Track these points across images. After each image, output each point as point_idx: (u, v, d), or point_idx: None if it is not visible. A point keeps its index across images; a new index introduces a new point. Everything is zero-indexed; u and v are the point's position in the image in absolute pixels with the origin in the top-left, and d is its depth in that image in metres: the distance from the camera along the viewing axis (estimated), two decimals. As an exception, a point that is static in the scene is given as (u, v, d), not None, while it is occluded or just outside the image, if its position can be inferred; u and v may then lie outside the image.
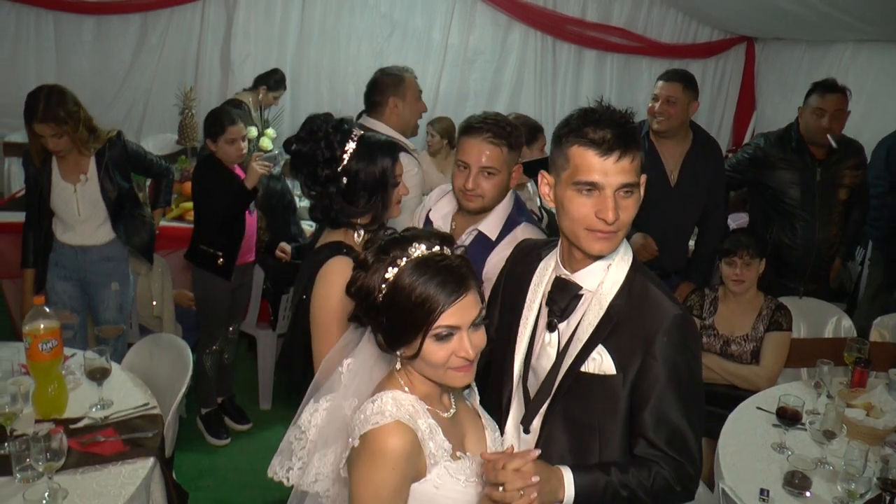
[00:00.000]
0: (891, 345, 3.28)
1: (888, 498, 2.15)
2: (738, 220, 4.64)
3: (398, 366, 1.51)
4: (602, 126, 1.50)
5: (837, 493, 2.18)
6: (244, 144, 3.70)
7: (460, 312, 1.43)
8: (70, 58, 5.61)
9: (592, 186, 1.52)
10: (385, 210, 2.10)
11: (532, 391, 1.73)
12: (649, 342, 1.56)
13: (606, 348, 1.59)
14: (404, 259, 1.45)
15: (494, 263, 2.21)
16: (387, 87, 3.25)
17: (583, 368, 1.61)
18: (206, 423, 3.92)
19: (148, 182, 4.36)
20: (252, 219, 3.76)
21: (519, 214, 2.37)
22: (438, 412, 1.53)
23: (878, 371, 2.93)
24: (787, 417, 2.45)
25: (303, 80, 5.84)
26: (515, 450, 1.63)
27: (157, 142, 5.74)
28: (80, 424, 2.38)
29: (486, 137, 2.25)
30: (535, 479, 1.40)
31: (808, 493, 2.19)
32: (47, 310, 2.41)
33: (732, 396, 2.92)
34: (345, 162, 2.02)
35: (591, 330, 1.61)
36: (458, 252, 1.52)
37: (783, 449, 2.44)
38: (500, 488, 1.40)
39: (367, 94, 3.32)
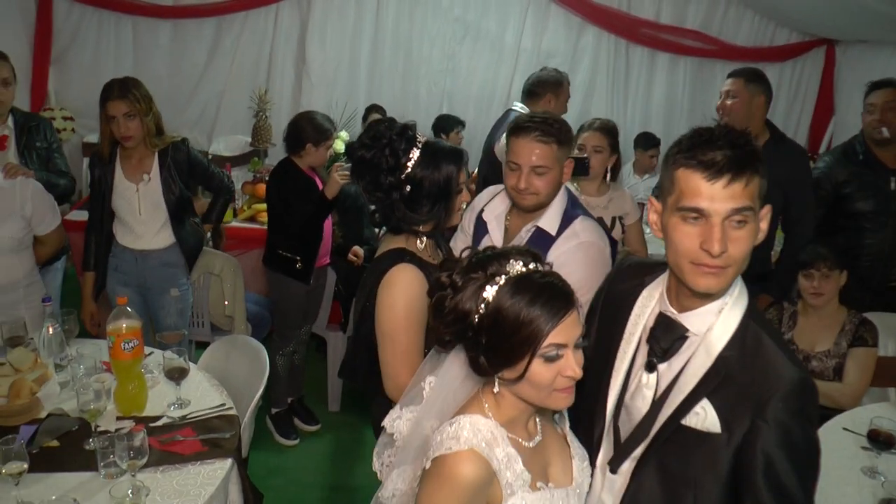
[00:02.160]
0: None
1: None
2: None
3: (496, 388, 1.45)
4: (714, 147, 1.36)
5: (937, 523, 2.08)
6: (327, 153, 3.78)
7: (567, 330, 1.38)
8: (147, 61, 5.75)
9: (698, 213, 1.38)
10: (448, 217, 2.11)
11: (623, 430, 1.61)
12: (761, 405, 1.38)
13: (712, 403, 1.44)
14: (502, 277, 1.40)
15: (556, 257, 2.17)
16: (548, 84, 3.97)
17: (684, 421, 1.47)
18: (276, 423, 3.96)
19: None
20: (328, 222, 3.78)
21: (574, 208, 2.37)
22: (520, 440, 1.47)
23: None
24: (880, 441, 2.33)
25: (376, 82, 5.86)
26: (599, 490, 1.61)
27: (229, 143, 5.84)
28: (160, 423, 2.41)
29: (535, 136, 2.24)
30: None
31: (904, 523, 2.09)
32: (129, 309, 2.46)
33: (815, 416, 2.80)
34: (409, 169, 2.02)
35: (695, 381, 1.46)
36: (547, 268, 1.47)
37: (875, 474, 2.32)
38: None
39: (531, 84, 4.01)
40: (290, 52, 5.80)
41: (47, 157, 3.64)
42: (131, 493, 1.98)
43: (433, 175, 2.02)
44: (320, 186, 3.65)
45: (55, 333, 2.70)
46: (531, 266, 1.43)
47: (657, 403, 1.52)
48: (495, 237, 2.44)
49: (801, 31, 5.95)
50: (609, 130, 3.36)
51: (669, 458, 1.50)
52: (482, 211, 2.53)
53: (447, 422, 1.44)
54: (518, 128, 2.29)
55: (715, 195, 1.36)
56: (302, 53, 5.76)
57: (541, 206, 2.34)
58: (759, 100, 3.43)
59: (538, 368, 1.38)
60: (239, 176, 5.22)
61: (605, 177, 3.37)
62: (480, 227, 2.50)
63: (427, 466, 1.40)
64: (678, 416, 1.46)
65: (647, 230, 4.60)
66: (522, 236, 2.35)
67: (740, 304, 1.47)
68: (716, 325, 1.46)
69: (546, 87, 3.96)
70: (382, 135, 2.03)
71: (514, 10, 5.80)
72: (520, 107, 4.00)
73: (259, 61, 5.82)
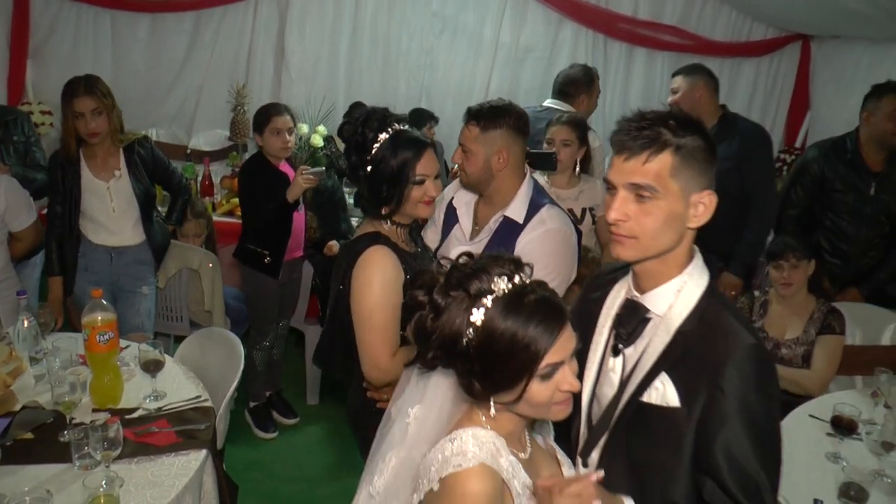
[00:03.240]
0: (954, 354, 3.18)
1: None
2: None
3: (492, 412, 1.40)
4: (624, 124, 1.48)
5: (896, 506, 2.13)
6: (290, 139, 3.67)
7: (562, 347, 1.35)
8: (125, 55, 5.70)
9: (609, 185, 1.51)
10: (402, 205, 2.12)
11: (595, 419, 1.64)
12: (716, 372, 1.42)
13: (671, 378, 1.47)
14: (489, 297, 1.34)
15: (524, 244, 2.31)
16: (580, 84, 4.00)
17: (644, 398, 1.50)
18: (255, 417, 3.97)
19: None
20: (300, 216, 3.78)
21: (540, 197, 2.42)
22: (517, 452, 1.44)
23: (940, 381, 2.84)
24: (843, 427, 2.40)
25: (355, 76, 5.84)
26: None
27: (208, 138, 5.81)
28: (135, 415, 2.43)
29: (467, 120, 2.37)
30: (597, 503, 1.30)
31: (864, 506, 2.14)
32: (104, 302, 2.47)
33: (783, 403, 2.86)
34: (373, 151, 2.09)
35: (655, 357, 1.50)
36: (528, 272, 1.42)
37: (838, 459, 2.38)
38: None
39: (562, 83, 4.03)
40: (269, 47, 5.77)
41: (25, 151, 3.63)
42: (105, 483, 1.99)
43: (389, 159, 2.08)
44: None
45: (30, 326, 2.71)
46: (516, 280, 1.37)
47: (622, 386, 1.57)
48: (464, 224, 2.50)
49: (777, 26, 6.00)
50: (577, 123, 3.42)
51: (634, 441, 1.53)
52: (453, 199, 2.59)
53: (445, 439, 1.38)
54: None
55: (618, 168, 1.47)
56: (281, 48, 5.74)
57: (471, 186, 2.45)
58: (699, 88, 3.63)
59: (536, 388, 1.35)
60: (218, 170, 5.23)
61: (574, 169, 3.42)
62: (451, 215, 2.57)
63: (435, 489, 1.33)
64: (639, 393, 1.51)
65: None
66: (491, 226, 2.40)
67: (700, 284, 1.52)
68: (675, 303, 1.51)
69: (579, 88, 3.99)
70: (362, 115, 2.14)
71: (492, 5, 5.79)
72: (550, 102, 4.04)
73: (238, 55, 5.78)
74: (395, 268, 2.05)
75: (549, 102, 4.02)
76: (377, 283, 2.03)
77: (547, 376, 1.34)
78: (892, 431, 2.35)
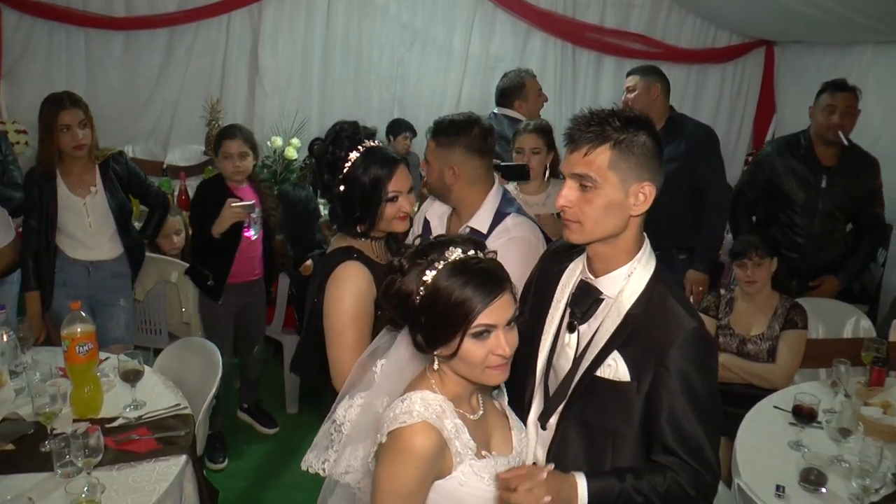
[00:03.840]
0: (911, 345, 3.28)
1: (903, 493, 2.18)
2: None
3: (435, 366, 1.57)
4: (575, 121, 1.64)
5: (853, 489, 2.21)
6: (241, 163, 3.54)
7: (497, 312, 1.50)
8: (100, 72, 5.71)
9: (563, 177, 1.67)
10: (377, 223, 2.13)
11: (551, 388, 1.79)
12: (662, 353, 1.58)
13: (622, 356, 1.63)
14: (441, 262, 1.52)
15: None
16: (512, 90, 4.12)
17: (598, 373, 1.66)
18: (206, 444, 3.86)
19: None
20: (254, 241, 3.67)
21: (506, 206, 2.44)
22: (466, 414, 1.59)
23: (896, 371, 2.95)
24: (803, 415, 2.48)
25: (328, 89, 5.90)
26: (533, 444, 1.77)
27: (184, 153, 5.84)
28: (115, 424, 2.47)
29: (429, 131, 2.44)
30: (547, 499, 1.44)
31: (823, 490, 2.23)
32: (83, 314, 2.51)
33: (749, 395, 2.96)
34: (345, 170, 2.09)
35: (607, 336, 1.65)
36: (490, 256, 1.59)
37: (799, 446, 2.47)
38: None
39: (498, 94, 4.18)
40: (242, 62, 5.81)
41: (3, 169, 3.64)
42: (87, 489, 2.03)
43: (361, 178, 2.08)
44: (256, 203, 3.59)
45: (9, 340, 2.74)
46: (470, 253, 1.55)
47: (577, 360, 1.72)
48: None
49: (741, 32, 6.12)
50: (543, 130, 3.50)
51: (588, 409, 1.69)
52: (428, 212, 2.63)
53: (398, 398, 1.55)
54: None
55: (566, 160, 1.65)
56: (255, 62, 5.78)
57: (434, 195, 2.52)
58: (655, 89, 3.75)
59: (469, 346, 1.50)
60: (194, 185, 5.22)
61: (544, 175, 3.49)
62: (426, 229, 2.60)
63: (383, 441, 1.50)
64: (593, 368, 1.66)
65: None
66: None
67: (648, 269, 1.68)
68: (626, 287, 1.67)
69: (512, 95, 4.13)
70: (332, 133, 2.13)
71: (461, 17, 5.87)
72: (497, 109, 4.16)
73: (212, 71, 5.82)
74: (367, 283, 2.05)
75: (496, 109, 4.19)
76: (348, 299, 2.03)
77: (479, 335, 1.49)
78: (849, 418, 2.45)
